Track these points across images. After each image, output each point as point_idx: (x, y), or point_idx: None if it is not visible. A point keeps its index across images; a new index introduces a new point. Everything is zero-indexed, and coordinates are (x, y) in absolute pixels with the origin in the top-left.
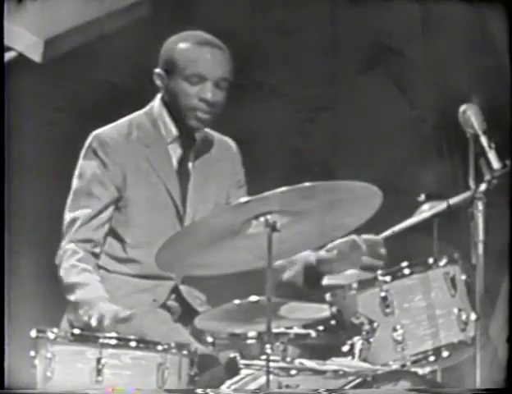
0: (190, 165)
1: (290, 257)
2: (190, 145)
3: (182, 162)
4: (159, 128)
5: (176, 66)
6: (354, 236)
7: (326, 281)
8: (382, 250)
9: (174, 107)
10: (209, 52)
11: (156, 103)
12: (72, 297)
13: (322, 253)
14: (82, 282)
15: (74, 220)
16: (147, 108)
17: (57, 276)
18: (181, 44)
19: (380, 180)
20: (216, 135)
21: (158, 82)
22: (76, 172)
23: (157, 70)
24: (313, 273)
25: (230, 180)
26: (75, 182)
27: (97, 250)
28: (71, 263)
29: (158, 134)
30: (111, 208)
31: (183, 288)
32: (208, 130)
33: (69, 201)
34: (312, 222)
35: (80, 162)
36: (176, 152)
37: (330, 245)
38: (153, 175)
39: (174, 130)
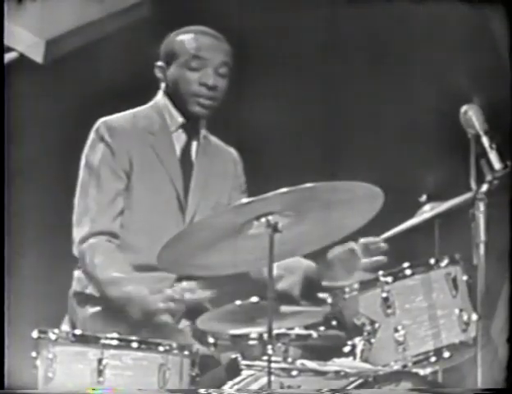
0: (193, 156)
1: (291, 257)
2: (195, 133)
3: (185, 152)
4: (165, 118)
5: (176, 54)
6: (352, 244)
7: (324, 282)
8: (383, 247)
9: (176, 95)
10: (208, 40)
11: (159, 96)
12: (117, 292)
13: (323, 266)
14: (127, 278)
15: (87, 210)
16: (151, 102)
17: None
18: (181, 36)
19: (381, 180)
20: (218, 141)
21: (160, 75)
22: (83, 161)
23: (159, 63)
24: (311, 285)
25: (233, 183)
26: (82, 171)
27: (117, 242)
28: (106, 257)
29: (164, 123)
30: (122, 197)
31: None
32: (211, 136)
33: (78, 191)
34: (313, 222)
35: (87, 149)
36: (179, 141)
37: (330, 255)
38: (158, 163)
39: (179, 118)
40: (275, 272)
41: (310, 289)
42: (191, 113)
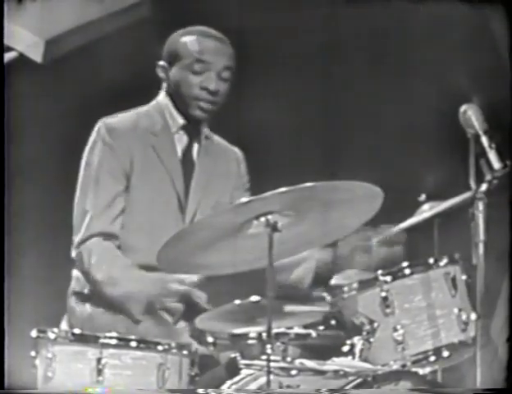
0: (195, 157)
1: (291, 257)
2: (196, 134)
3: (187, 153)
4: (166, 118)
5: (179, 56)
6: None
7: (334, 280)
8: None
9: (177, 97)
10: (212, 43)
11: (160, 96)
12: (116, 291)
13: (338, 250)
14: (126, 276)
15: (85, 212)
16: (153, 102)
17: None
18: (185, 37)
19: (381, 180)
20: (221, 140)
21: (162, 74)
22: (83, 162)
23: (161, 62)
24: (326, 270)
25: (235, 183)
26: (82, 172)
27: (116, 243)
28: (103, 256)
29: (165, 123)
30: (122, 198)
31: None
32: (214, 135)
33: (77, 193)
34: (313, 222)
35: (88, 150)
36: (181, 142)
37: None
38: (158, 163)
39: (180, 119)
40: (283, 261)
41: (324, 274)
42: (192, 116)
